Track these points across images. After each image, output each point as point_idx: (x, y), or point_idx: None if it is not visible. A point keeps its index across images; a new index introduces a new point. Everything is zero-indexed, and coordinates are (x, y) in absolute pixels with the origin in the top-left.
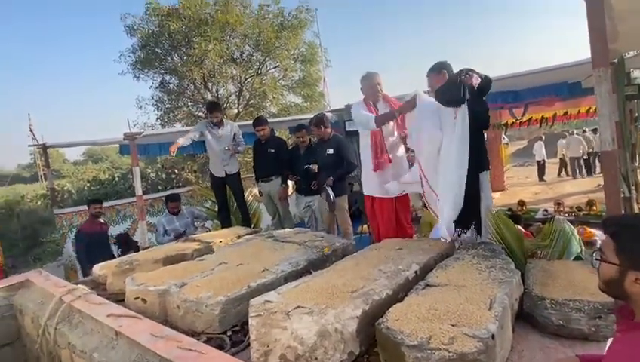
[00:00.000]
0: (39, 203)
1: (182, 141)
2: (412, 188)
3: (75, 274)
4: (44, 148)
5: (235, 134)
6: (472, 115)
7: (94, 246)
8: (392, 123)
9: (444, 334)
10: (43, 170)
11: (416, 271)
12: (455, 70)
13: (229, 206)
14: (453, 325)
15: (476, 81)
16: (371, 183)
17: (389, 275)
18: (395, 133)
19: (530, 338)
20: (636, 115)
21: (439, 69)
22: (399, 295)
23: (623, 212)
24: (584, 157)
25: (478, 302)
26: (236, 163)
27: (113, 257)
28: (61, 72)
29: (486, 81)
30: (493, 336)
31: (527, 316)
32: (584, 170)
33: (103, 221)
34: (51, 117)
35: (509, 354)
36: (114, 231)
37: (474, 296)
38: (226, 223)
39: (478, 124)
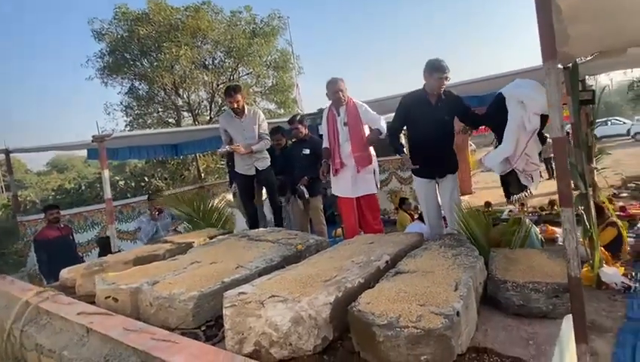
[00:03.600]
0: (0, 213)
1: (223, 151)
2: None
3: (41, 283)
4: (7, 153)
5: (259, 124)
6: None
7: (57, 252)
8: (346, 132)
9: (413, 313)
10: (4, 179)
11: (387, 261)
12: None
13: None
14: (421, 305)
15: None
16: (334, 184)
17: (361, 265)
18: (349, 143)
19: (494, 319)
20: (591, 119)
21: None
22: (371, 283)
23: (580, 207)
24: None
25: (445, 284)
26: (267, 156)
27: (81, 260)
28: (24, 77)
29: None
30: (458, 313)
31: (490, 299)
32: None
33: (62, 225)
34: (14, 125)
35: (474, 334)
36: (82, 238)
37: (440, 280)
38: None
39: None
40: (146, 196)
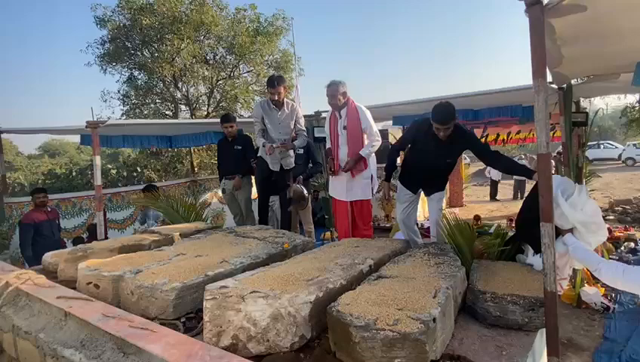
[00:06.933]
0: None
1: (262, 141)
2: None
3: (23, 266)
4: None
5: (296, 119)
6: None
7: (42, 236)
8: (345, 135)
9: (390, 316)
10: None
11: (370, 266)
12: None
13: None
14: (399, 309)
15: None
16: (331, 186)
17: (344, 267)
18: (346, 146)
19: (471, 328)
20: (583, 140)
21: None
22: (353, 285)
23: None
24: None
25: (424, 291)
26: (292, 155)
27: (63, 246)
28: (22, 62)
29: None
30: (434, 320)
31: (469, 308)
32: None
33: (49, 209)
34: (9, 108)
35: (450, 341)
36: (69, 223)
37: (421, 287)
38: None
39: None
40: (138, 186)
